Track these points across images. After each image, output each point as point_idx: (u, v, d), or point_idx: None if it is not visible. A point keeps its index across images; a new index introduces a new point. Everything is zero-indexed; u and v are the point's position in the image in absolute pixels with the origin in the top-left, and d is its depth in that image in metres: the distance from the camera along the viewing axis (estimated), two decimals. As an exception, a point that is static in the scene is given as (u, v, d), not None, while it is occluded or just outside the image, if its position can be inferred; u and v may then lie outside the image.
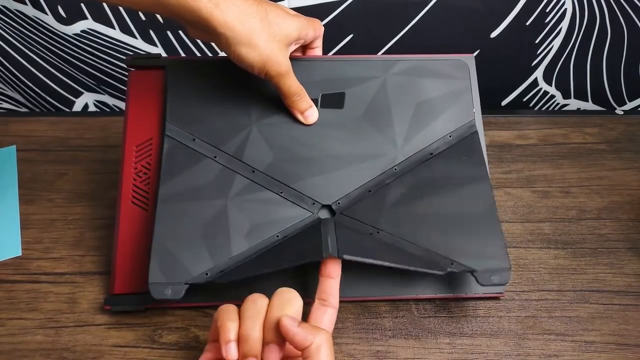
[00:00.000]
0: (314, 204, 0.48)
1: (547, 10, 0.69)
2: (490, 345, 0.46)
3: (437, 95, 0.52)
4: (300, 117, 0.50)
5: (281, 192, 0.48)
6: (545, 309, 0.49)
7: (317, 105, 0.51)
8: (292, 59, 0.48)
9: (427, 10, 0.67)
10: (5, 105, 0.77)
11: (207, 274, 0.44)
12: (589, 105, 0.78)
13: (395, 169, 0.50)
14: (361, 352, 0.46)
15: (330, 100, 0.51)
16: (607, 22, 0.70)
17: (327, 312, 0.41)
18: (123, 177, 0.50)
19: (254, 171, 0.49)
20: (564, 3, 0.68)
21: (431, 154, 0.50)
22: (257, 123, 0.50)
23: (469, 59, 0.54)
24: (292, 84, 0.47)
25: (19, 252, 0.53)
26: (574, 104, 0.78)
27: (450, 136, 0.51)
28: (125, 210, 0.49)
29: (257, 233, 0.47)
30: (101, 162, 0.62)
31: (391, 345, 0.46)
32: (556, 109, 0.79)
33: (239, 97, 0.51)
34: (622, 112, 0.70)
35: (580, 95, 0.78)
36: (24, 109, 0.77)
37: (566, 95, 0.78)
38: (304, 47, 0.53)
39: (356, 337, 0.47)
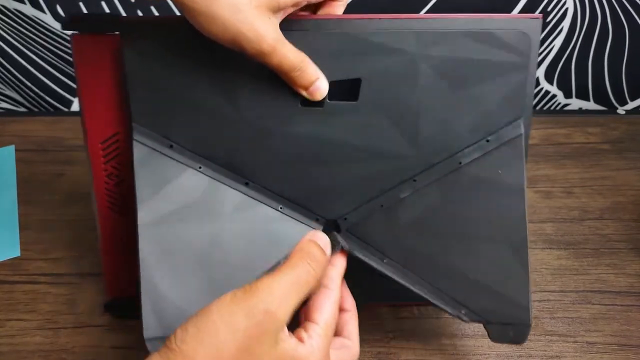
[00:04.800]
0: (317, 219, 0.41)
1: (549, 10, 0.69)
2: (492, 347, 0.46)
3: (480, 83, 0.39)
4: (304, 94, 0.37)
5: (280, 207, 0.41)
6: (548, 309, 0.49)
7: (324, 98, 0.38)
8: (287, 25, 0.36)
9: (428, 10, 0.67)
10: (4, 104, 0.76)
11: None
12: (591, 105, 0.78)
13: (415, 180, 0.40)
14: (362, 353, 0.46)
15: (340, 91, 0.39)
16: (609, 21, 0.70)
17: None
18: (94, 181, 0.42)
19: (247, 183, 0.40)
20: (565, 2, 0.68)
21: (460, 162, 0.40)
22: (245, 116, 0.39)
23: (534, 25, 0.38)
24: (282, 60, 0.34)
25: (17, 253, 0.53)
26: (575, 103, 0.78)
27: (488, 140, 0.40)
28: (103, 218, 0.43)
29: (259, 260, 0.39)
30: (100, 162, 0.62)
31: (393, 347, 0.46)
32: (558, 108, 0.79)
33: (221, 76, 0.38)
34: (624, 112, 0.70)
35: (582, 95, 0.78)
36: (22, 109, 0.77)
37: (568, 95, 0.78)
38: (319, 5, 0.39)
39: (359, 338, 0.47)
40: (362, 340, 0.46)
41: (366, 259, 0.38)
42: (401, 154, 0.40)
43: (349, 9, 0.40)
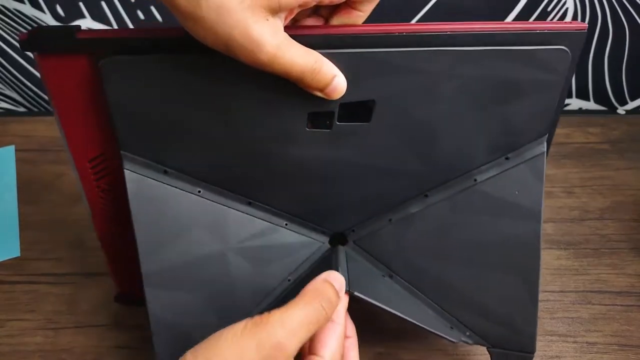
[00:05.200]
0: (324, 232, 0.40)
1: (549, 10, 0.68)
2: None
3: (507, 103, 0.35)
4: (320, 95, 0.32)
5: (286, 224, 0.39)
6: (548, 309, 0.49)
7: (333, 118, 0.34)
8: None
9: (428, 9, 0.67)
10: (4, 105, 0.76)
11: None
12: (591, 105, 0.78)
13: (427, 195, 0.38)
14: (362, 354, 0.45)
15: (352, 112, 0.34)
16: (609, 21, 0.70)
17: None
18: (87, 199, 0.40)
19: (249, 203, 0.38)
20: (565, 2, 0.68)
21: (475, 180, 0.37)
22: (245, 140, 0.35)
23: (577, 38, 0.33)
24: (289, 68, 0.29)
25: (17, 253, 0.53)
26: (575, 103, 0.78)
27: (507, 157, 0.37)
28: (102, 231, 0.41)
29: (266, 282, 0.39)
30: (100, 162, 0.62)
31: (393, 347, 0.46)
32: (557, 108, 0.79)
33: (215, 99, 0.33)
34: (625, 112, 0.70)
35: (582, 95, 0.77)
36: (22, 109, 0.76)
37: (568, 95, 0.78)
38: (335, 9, 0.33)
39: (357, 339, 0.47)
40: (362, 340, 0.46)
41: (368, 298, 0.36)
42: (413, 172, 0.37)
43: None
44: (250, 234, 0.38)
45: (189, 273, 0.37)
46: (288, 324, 0.28)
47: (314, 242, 0.40)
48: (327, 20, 0.34)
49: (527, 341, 0.39)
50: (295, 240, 0.39)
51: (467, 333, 0.39)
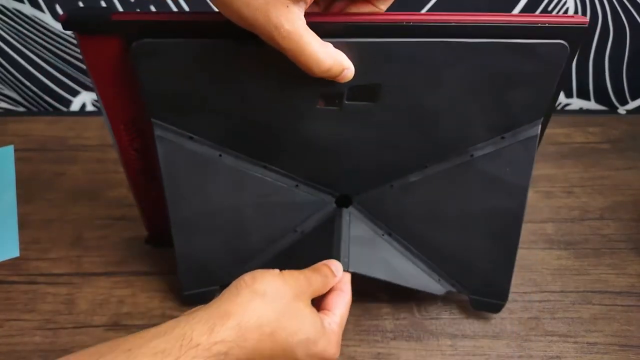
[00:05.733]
0: (331, 193, 0.45)
1: (549, 10, 0.68)
2: (492, 347, 0.46)
3: (506, 90, 0.38)
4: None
5: (296, 185, 0.44)
6: (548, 310, 0.49)
7: (343, 98, 0.37)
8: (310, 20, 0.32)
9: (428, 9, 0.67)
10: (3, 104, 0.76)
11: (231, 276, 0.40)
12: (592, 105, 0.78)
13: (426, 166, 0.42)
14: (362, 354, 0.45)
15: (359, 93, 0.37)
16: (609, 21, 0.70)
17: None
18: (122, 158, 0.44)
19: (265, 167, 0.43)
20: (565, 2, 0.68)
21: (472, 155, 0.41)
22: (261, 116, 0.39)
23: (577, 33, 0.35)
24: (301, 52, 0.31)
25: (16, 253, 0.53)
26: (576, 103, 0.78)
27: (503, 137, 0.40)
28: (135, 183, 0.47)
29: (276, 232, 0.45)
30: (99, 162, 0.62)
31: (392, 347, 0.46)
32: (558, 108, 0.79)
33: (235, 81, 0.37)
34: (625, 112, 0.70)
35: (583, 95, 0.77)
36: (21, 109, 0.76)
37: (568, 95, 0.77)
38: (353, 1, 0.35)
39: (357, 339, 0.47)
40: (362, 340, 0.46)
41: (364, 272, 0.42)
42: (415, 147, 0.41)
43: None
44: (264, 193, 0.43)
45: (208, 220, 0.43)
46: (302, 277, 0.37)
47: (322, 202, 0.45)
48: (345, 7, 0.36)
49: (500, 292, 0.46)
50: (304, 199, 0.44)
51: (454, 285, 0.46)
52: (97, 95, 0.40)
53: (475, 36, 0.34)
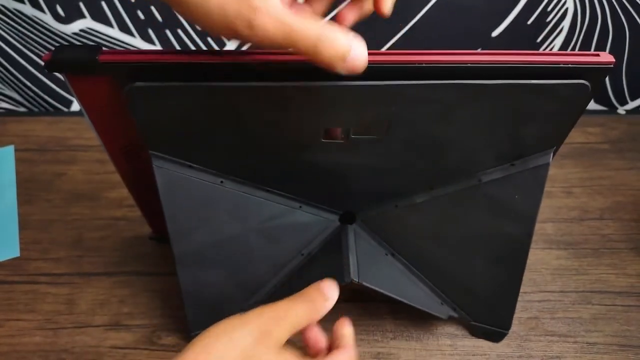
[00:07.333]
0: (334, 212, 0.44)
1: (549, 10, 0.68)
2: (492, 347, 0.46)
3: (521, 126, 0.36)
4: (341, 71, 0.28)
5: (300, 207, 0.43)
6: (548, 310, 0.49)
7: (349, 133, 0.35)
8: None
9: (428, 9, 0.67)
10: (4, 104, 0.76)
11: (242, 310, 0.37)
12: (591, 105, 0.78)
13: (432, 188, 0.41)
14: (362, 354, 0.46)
15: (367, 128, 0.36)
16: (609, 21, 0.70)
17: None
18: (121, 175, 0.45)
19: (267, 190, 0.42)
20: (565, 2, 0.68)
21: (480, 180, 0.39)
22: (263, 148, 0.38)
23: (601, 72, 0.32)
24: (296, 39, 0.27)
25: (17, 253, 0.53)
26: (575, 103, 0.78)
27: (513, 164, 0.39)
28: (136, 194, 0.46)
29: (282, 257, 0.44)
30: (100, 162, 0.62)
31: (392, 347, 0.46)
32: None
33: (235, 113, 0.35)
34: (625, 112, 0.70)
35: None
36: (22, 109, 0.76)
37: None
38: None
39: (357, 338, 0.46)
40: (362, 340, 0.46)
41: (374, 287, 0.40)
42: (422, 172, 0.40)
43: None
44: (267, 217, 0.42)
45: (214, 252, 0.42)
46: (270, 312, 0.32)
47: (325, 221, 0.44)
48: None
49: (503, 320, 0.45)
50: (308, 219, 0.43)
51: (455, 310, 0.45)
52: (90, 125, 0.38)
53: (491, 77, 0.32)
